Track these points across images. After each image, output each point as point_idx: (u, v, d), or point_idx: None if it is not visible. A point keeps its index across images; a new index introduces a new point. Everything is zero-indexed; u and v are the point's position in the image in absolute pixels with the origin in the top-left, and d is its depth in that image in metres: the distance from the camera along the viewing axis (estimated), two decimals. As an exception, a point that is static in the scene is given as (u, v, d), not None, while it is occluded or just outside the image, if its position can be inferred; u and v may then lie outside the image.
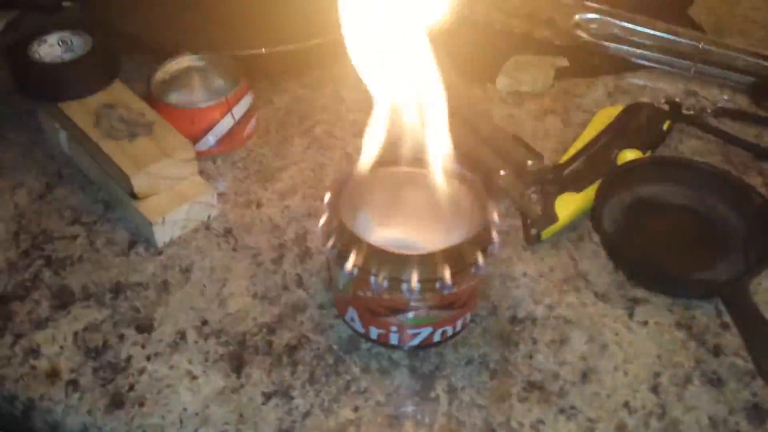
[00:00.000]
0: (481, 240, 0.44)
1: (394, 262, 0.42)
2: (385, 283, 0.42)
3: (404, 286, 0.42)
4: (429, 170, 0.46)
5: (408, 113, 0.44)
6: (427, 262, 0.42)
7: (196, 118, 0.58)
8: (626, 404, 0.44)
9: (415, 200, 0.48)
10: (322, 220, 0.44)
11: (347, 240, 0.43)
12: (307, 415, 0.43)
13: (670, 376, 0.46)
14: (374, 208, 0.47)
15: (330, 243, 0.44)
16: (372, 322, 0.45)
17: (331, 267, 0.47)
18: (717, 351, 0.47)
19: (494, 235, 0.44)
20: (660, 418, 0.44)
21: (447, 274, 0.42)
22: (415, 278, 0.42)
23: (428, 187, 0.46)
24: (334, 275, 0.46)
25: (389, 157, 0.45)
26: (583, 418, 0.44)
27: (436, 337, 0.46)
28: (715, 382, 0.45)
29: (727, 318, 0.48)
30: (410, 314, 0.44)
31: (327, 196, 0.45)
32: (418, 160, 0.46)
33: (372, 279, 0.42)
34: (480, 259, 0.43)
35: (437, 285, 0.42)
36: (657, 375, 0.46)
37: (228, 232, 0.54)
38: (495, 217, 0.45)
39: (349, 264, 0.42)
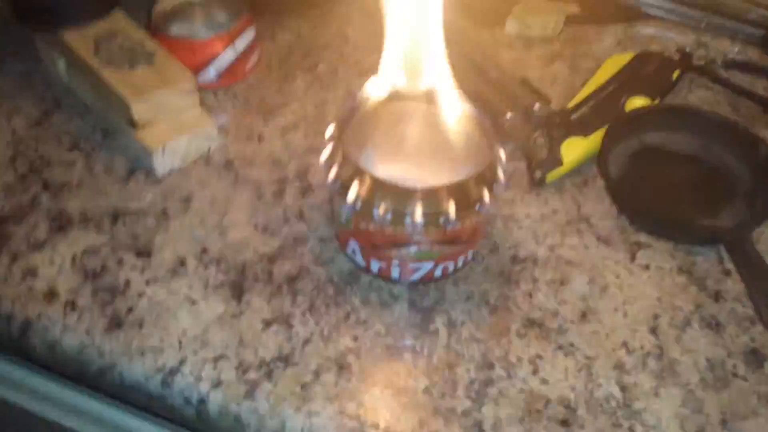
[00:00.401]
0: (486, 178, 0.43)
1: (398, 195, 0.41)
2: (388, 216, 0.42)
3: (407, 220, 0.42)
4: (436, 106, 0.45)
5: (417, 49, 0.43)
6: (432, 196, 0.41)
7: (198, 50, 0.57)
8: (624, 344, 0.44)
9: (422, 136, 0.47)
10: (326, 152, 0.44)
11: (351, 172, 0.42)
12: (307, 342, 0.43)
13: (669, 319, 0.46)
14: (379, 143, 0.46)
15: (333, 175, 0.43)
16: (373, 256, 0.45)
17: (333, 200, 0.46)
18: (717, 296, 0.47)
19: (500, 173, 0.44)
20: (658, 359, 0.44)
21: (451, 209, 0.41)
22: (418, 212, 0.41)
23: (435, 124, 0.46)
24: (336, 208, 0.46)
25: (396, 91, 0.44)
26: (581, 355, 0.44)
27: (437, 273, 0.46)
28: (714, 326, 0.45)
29: (729, 265, 0.48)
30: (412, 248, 0.44)
31: (331, 128, 0.44)
32: (426, 96, 0.45)
33: (374, 211, 0.42)
34: (485, 197, 0.42)
35: (440, 220, 0.42)
36: (656, 317, 0.46)
37: (229, 164, 0.53)
38: (502, 155, 0.44)
39: (352, 195, 0.42)
